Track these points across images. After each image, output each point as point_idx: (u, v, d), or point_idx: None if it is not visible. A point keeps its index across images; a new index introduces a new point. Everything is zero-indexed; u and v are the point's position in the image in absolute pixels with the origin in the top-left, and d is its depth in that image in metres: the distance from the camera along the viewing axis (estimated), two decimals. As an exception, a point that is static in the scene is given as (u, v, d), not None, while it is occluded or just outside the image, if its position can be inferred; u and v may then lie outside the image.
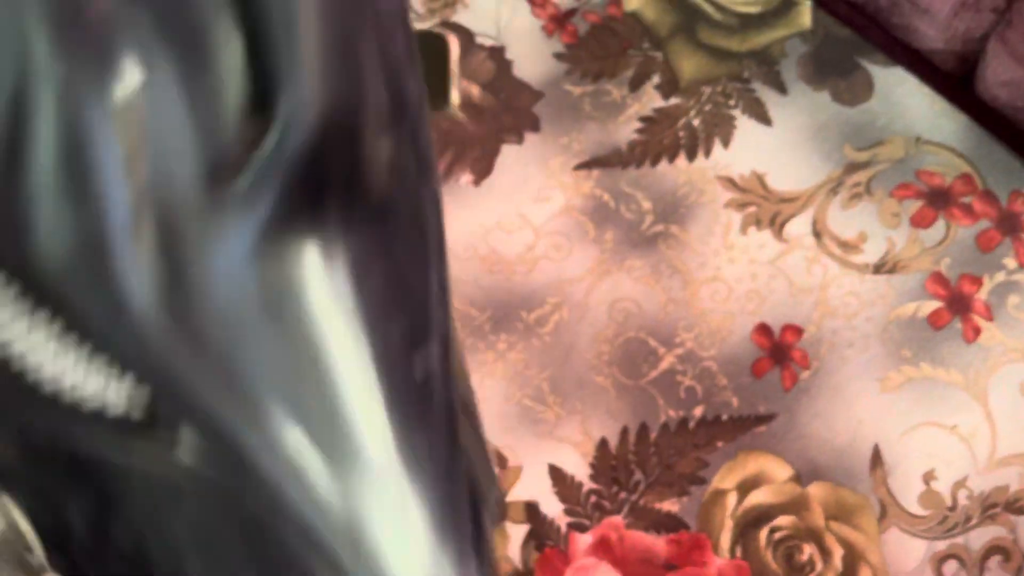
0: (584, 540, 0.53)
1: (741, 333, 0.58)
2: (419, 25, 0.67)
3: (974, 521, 0.53)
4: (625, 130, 0.64)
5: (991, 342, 0.57)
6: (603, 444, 0.55)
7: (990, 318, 0.58)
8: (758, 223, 0.61)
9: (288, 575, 0.26)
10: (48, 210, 0.22)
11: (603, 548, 0.52)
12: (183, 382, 0.24)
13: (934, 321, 0.58)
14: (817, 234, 0.60)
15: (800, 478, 0.55)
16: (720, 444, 0.55)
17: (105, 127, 0.22)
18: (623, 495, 0.54)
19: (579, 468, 0.55)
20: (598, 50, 0.66)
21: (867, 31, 0.66)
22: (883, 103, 0.63)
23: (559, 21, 0.67)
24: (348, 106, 0.23)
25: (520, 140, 0.64)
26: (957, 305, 0.58)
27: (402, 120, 0.25)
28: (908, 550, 0.53)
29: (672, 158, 0.63)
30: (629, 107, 0.65)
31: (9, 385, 0.25)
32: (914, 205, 0.61)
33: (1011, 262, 0.59)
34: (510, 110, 0.65)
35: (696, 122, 0.64)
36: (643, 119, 0.64)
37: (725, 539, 0.53)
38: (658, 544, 0.52)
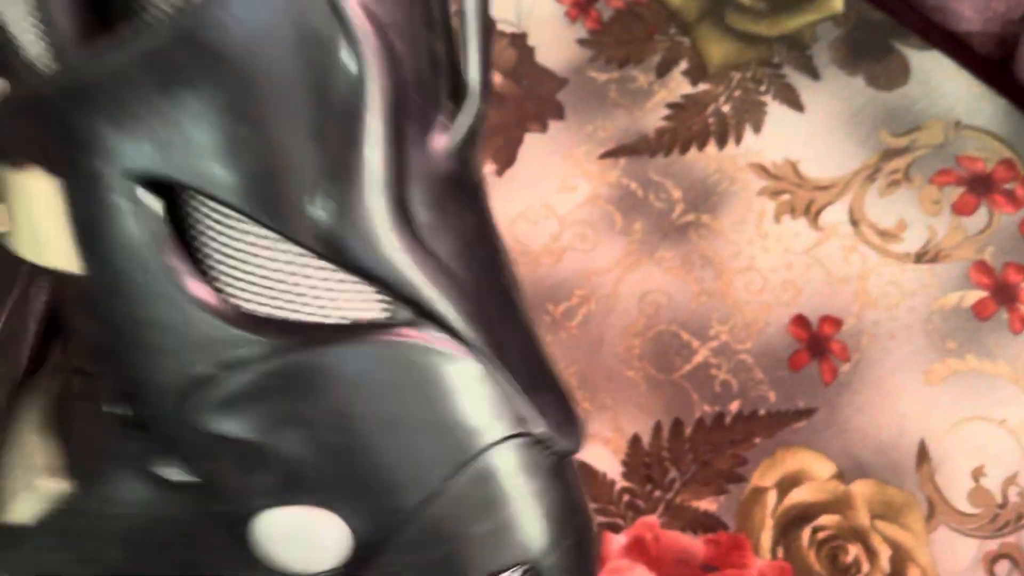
0: (618, 541, 0.50)
1: (777, 325, 0.56)
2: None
3: (1026, 519, 0.51)
4: (652, 117, 0.62)
5: (1039, 333, 0.55)
6: (635, 440, 0.53)
7: (1037, 308, 0.55)
8: (792, 211, 0.59)
9: None
10: None
11: (638, 549, 0.50)
12: None
13: (979, 311, 0.55)
14: (854, 222, 0.58)
15: (843, 475, 0.52)
16: (758, 440, 0.53)
17: None
18: (658, 493, 0.52)
19: (611, 466, 0.52)
20: (623, 36, 0.64)
21: (902, 14, 0.64)
22: (920, 87, 0.61)
23: (582, 6, 0.65)
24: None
25: (544, 128, 0.61)
26: (1002, 294, 0.56)
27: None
28: (958, 549, 0.50)
29: (702, 145, 0.61)
30: (656, 94, 0.63)
31: None
32: (955, 192, 0.58)
33: (1058, 250, 0.57)
34: (533, 98, 0.62)
35: (726, 108, 0.62)
36: (671, 106, 0.62)
37: (766, 539, 0.50)
38: (695, 544, 0.50)
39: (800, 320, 0.56)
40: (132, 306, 0.26)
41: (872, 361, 0.54)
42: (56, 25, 0.24)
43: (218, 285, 0.26)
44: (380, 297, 0.26)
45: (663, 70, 0.63)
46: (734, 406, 0.54)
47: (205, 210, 0.25)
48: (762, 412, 0.54)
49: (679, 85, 0.63)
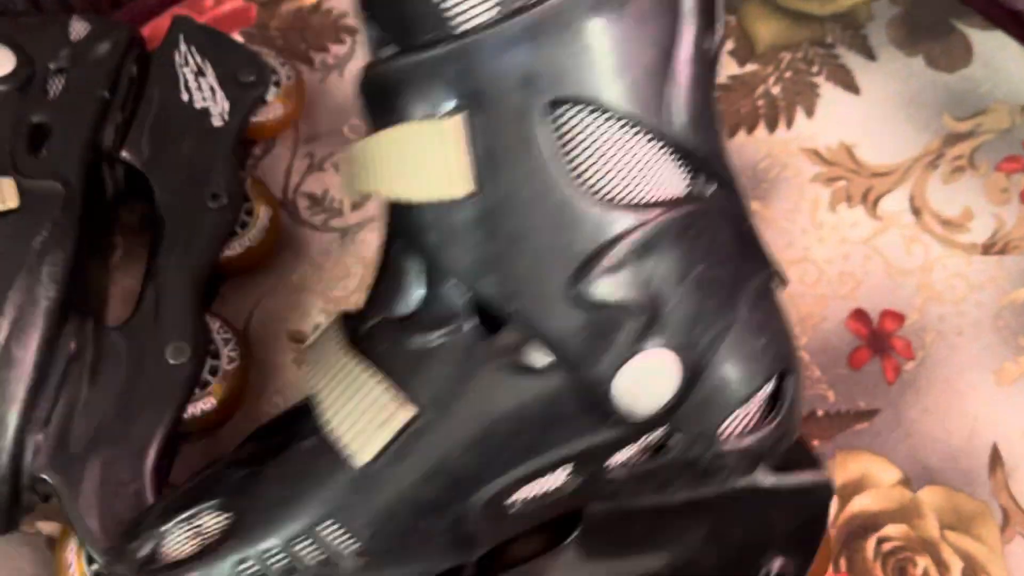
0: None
1: (835, 319, 0.52)
2: None
3: (1108, 531, 0.47)
4: (697, 99, 0.58)
5: (1117, 330, 0.51)
6: (685, 442, 0.49)
7: (1115, 303, 0.51)
8: (849, 199, 0.55)
9: None
10: None
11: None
12: None
13: (1052, 306, 0.51)
14: (916, 211, 0.54)
15: (910, 482, 0.48)
16: (816, 443, 0.49)
17: None
18: (710, 500, 0.48)
19: (658, 469, 0.49)
20: (666, 13, 0.60)
21: (961, -7, 0.60)
22: (983, 69, 0.57)
23: (622, -18, 0.61)
24: None
25: (581, 109, 0.58)
26: (1077, 289, 0.52)
27: None
28: (1036, 564, 0.46)
29: (751, 129, 0.57)
30: (701, 74, 0.59)
31: None
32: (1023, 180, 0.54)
33: None
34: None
35: (775, 90, 0.58)
36: (718, 87, 0.58)
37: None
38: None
39: (859, 314, 0.52)
40: (527, 210, 0.33)
41: (938, 359, 0.51)
42: None
43: (589, 180, 0.33)
44: (686, 172, 0.35)
45: (708, 50, 0.59)
46: (790, 406, 0.50)
47: (585, 123, 0.33)
48: (820, 413, 0.50)
49: (726, 66, 0.59)
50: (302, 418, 0.39)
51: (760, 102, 0.58)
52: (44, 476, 0.45)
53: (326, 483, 0.36)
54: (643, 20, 0.32)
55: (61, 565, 0.46)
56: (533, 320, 0.34)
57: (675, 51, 0.33)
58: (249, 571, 0.37)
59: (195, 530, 0.39)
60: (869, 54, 0.58)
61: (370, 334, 0.37)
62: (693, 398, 0.35)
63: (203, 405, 0.49)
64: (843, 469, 0.48)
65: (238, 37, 0.61)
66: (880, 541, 0.47)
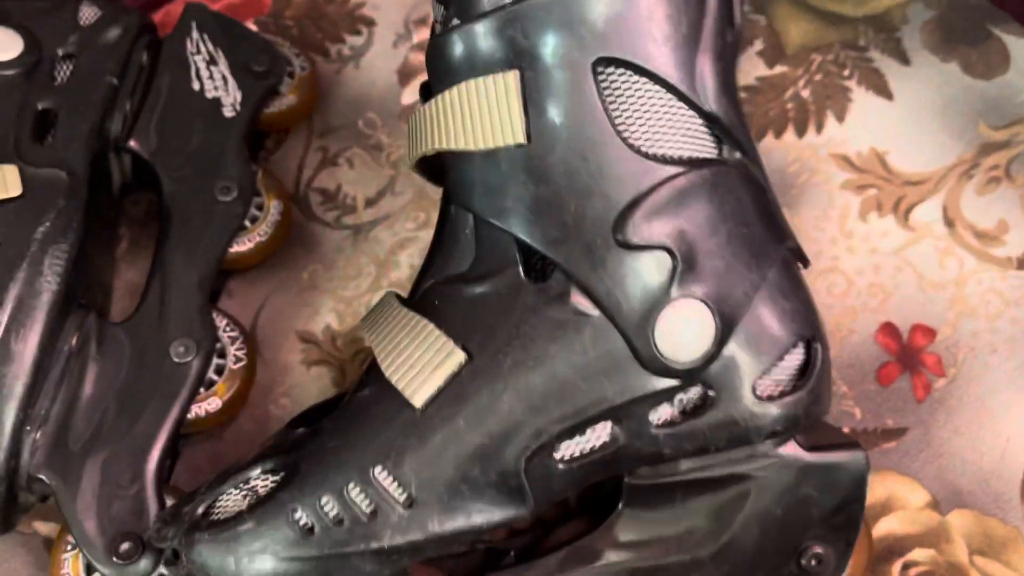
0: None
1: (864, 333, 0.50)
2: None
3: None
4: (725, 100, 0.56)
5: None
6: (706, 457, 0.48)
7: None
8: (879, 208, 0.53)
9: None
10: None
11: None
12: None
13: (1090, 325, 0.50)
14: (949, 222, 0.52)
15: (938, 505, 0.46)
16: (842, 461, 0.47)
17: None
18: (731, 518, 0.46)
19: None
20: (693, 11, 0.58)
21: (999, -2, 0.58)
22: (1021, 76, 0.55)
23: (649, -22, 0.59)
24: None
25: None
26: (1115, 308, 0.50)
27: None
28: (1069, 593, 0.44)
29: (779, 133, 0.55)
30: (729, 75, 0.57)
31: None
32: (1061, 192, 0.53)
33: None
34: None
35: (805, 93, 0.56)
36: (745, 89, 0.56)
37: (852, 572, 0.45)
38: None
39: (889, 328, 0.50)
40: (575, 158, 0.37)
41: (971, 377, 0.49)
42: None
43: (629, 134, 0.38)
44: (712, 139, 0.39)
45: (736, 50, 0.58)
46: (815, 422, 0.48)
47: (626, 83, 0.37)
48: (847, 430, 0.48)
49: (754, 67, 0.57)
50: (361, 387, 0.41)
51: (789, 105, 0.56)
52: (41, 476, 0.43)
53: (380, 428, 0.38)
54: None
55: (57, 567, 0.45)
56: (578, 265, 0.37)
57: (704, 22, 0.37)
58: (301, 521, 0.38)
59: (250, 490, 0.40)
60: (903, 58, 0.57)
61: (424, 295, 0.40)
62: (727, 353, 0.37)
63: (207, 405, 0.47)
64: (870, 490, 0.46)
65: (252, 26, 0.60)
66: (906, 566, 0.45)
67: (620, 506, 0.40)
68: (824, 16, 0.58)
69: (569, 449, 0.38)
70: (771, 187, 0.40)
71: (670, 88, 0.37)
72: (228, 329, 0.49)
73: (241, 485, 0.40)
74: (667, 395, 0.38)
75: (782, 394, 0.38)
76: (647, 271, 0.37)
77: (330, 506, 0.38)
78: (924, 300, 0.51)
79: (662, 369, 0.37)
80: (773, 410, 0.38)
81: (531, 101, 0.37)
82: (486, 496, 0.38)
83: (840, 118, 0.55)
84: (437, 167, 0.45)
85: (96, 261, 0.50)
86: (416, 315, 0.39)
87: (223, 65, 0.53)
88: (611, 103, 0.37)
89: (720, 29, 0.38)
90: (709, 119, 0.38)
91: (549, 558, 0.41)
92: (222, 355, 0.48)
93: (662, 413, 0.38)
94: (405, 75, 0.58)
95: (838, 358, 0.50)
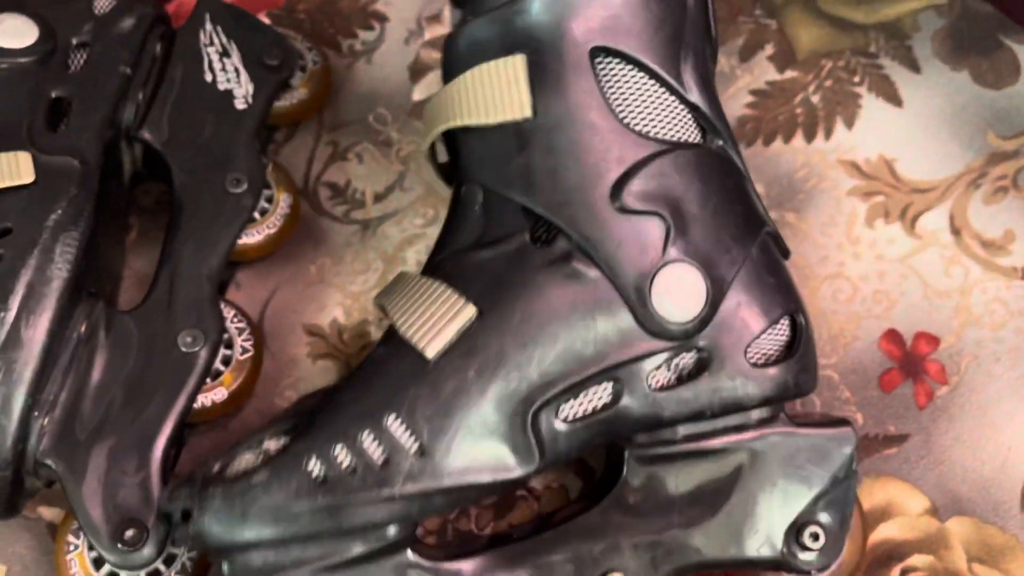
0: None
1: (867, 339, 0.50)
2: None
3: None
4: (735, 104, 0.56)
5: None
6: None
7: None
8: (886, 215, 0.53)
9: None
10: None
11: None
12: None
13: (1093, 337, 0.50)
14: (956, 231, 0.53)
15: (938, 511, 0.47)
16: (843, 466, 0.47)
17: None
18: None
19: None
20: (705, 14, 0.59)
21: (1011, 9, 0.58)
22: (1031, 87, 0.56)
23: (662, -20, 0.59)
24: None
25: (615, 109, 0.56)
26: (1119, 320, 0.50)
27: None
28: (1066, 603, 0.45)
29: (788, 137, 0.56)
30: (739, 79, 0.57)
31: None
32: (1068, 203, 0.53)
33: None
34: (604, 76, 0.57)
35: (815, 99, 0.56)
36: (755, 92, 0.57)
37: (851, 578, 0.45)
38: (773, 580, 0.45)
39: (893, 335, 0.50)
40: (573, 131, 0.41)
41: (973, 386, 0.49)
42: None
43: (623, 115, 0.42)
44: (697, 127, 0.43)
45: (747, 54, 0.58)
46: (817, 427, 0.48)
47: (620, 71, 0.42)
48: (848, 435, 0.48)
49: (764, 71, 0.57)
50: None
51: (799, 110, 0.56)
52: (48, 462, 0.44)
53: (393, 379, 0.40)
54: None
55: (61, 552, 0.45)
56: (580, 227, 0.40)
57: (685, 26, 0.42)
58: (314, 473, 0.39)
59: (264, 451, 0.41)
60: (913, 66, 0.57)
61: (438, 265, 0.42)
62: (718, 318, 0.40)
63: (214, 395, 0.47)
64: (869, 495, 0.47)
65: (265, 19, 0.60)
66: (905, 572, 0.45)
67: (621, 480, 0.42)
68: (836, 22, 0.58)
69: (572, 409, 0.41)
70: (750, 177, 0.44)
71: (659, 78, 0.41)
72: (235, 320, 0.49)
73: (255, 445, 0.42)
74: (664, 357, 0.40)
75: (773, 362, 0.41)
76: (644, 234, 0.40)
77: (344, 455, 0.39)
78: (929, 308, 0.51)
79: (659, 330, 0.40)
80: (764, 376, 0.41)
81: (537, 80, 0.41)
82: (495, 448, 0.39)
83: (849, 124, 0.56)
84: (447, 164, 0.46)
85: (106, 250, 0.50)
86: (429, 278, 0.42)
87: (236, 57, 0.53)
88: (607, 87, 0.41)
89: (699, 34, 0.42)
90: (693, 108, 0.42)
91: (551, 532, 0.42)
92: (229, 346, 0.48)
93: (660, 376, 0.41)
94: (416, 71, 0.59)
95: (842, 364, 0.50)
